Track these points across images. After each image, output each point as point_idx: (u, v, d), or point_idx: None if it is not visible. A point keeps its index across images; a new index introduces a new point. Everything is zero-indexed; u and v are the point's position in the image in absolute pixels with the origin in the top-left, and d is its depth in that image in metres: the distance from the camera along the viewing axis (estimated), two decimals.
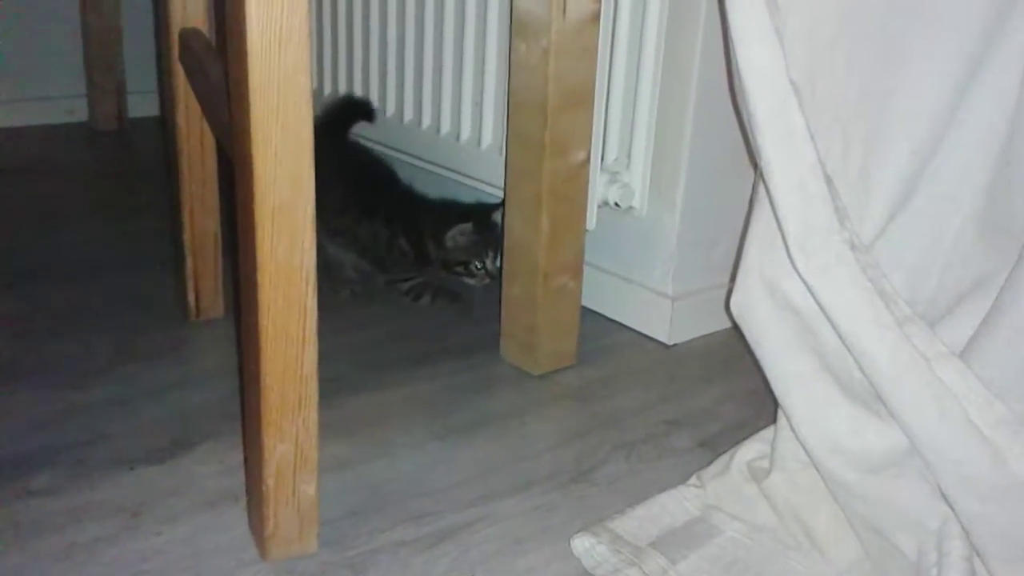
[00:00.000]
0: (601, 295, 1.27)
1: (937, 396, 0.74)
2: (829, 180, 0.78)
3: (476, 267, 1.26)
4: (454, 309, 1.29)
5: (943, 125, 0.83)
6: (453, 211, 1.30)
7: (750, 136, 0.80)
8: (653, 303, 1.22)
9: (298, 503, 0.76)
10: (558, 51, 0.99)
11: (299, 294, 0.71)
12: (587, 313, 1.24)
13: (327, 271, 1.29)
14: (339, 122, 1.40)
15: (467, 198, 1.33)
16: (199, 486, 0.87)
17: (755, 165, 0.84)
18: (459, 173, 1.30)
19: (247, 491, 0.84)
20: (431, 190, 1.37)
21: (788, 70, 0.77)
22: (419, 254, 1.30)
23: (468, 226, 1.25)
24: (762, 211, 0.83)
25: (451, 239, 1.26)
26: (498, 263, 1.27)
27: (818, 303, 0.78)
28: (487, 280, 1.28)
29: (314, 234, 0.70)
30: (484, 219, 1.26)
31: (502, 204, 1.27)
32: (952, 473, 0.74)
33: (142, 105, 2.11)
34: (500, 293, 1.15)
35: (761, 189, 0.83)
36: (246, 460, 0.85)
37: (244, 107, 0.67)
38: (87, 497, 0.84)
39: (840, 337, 0.78)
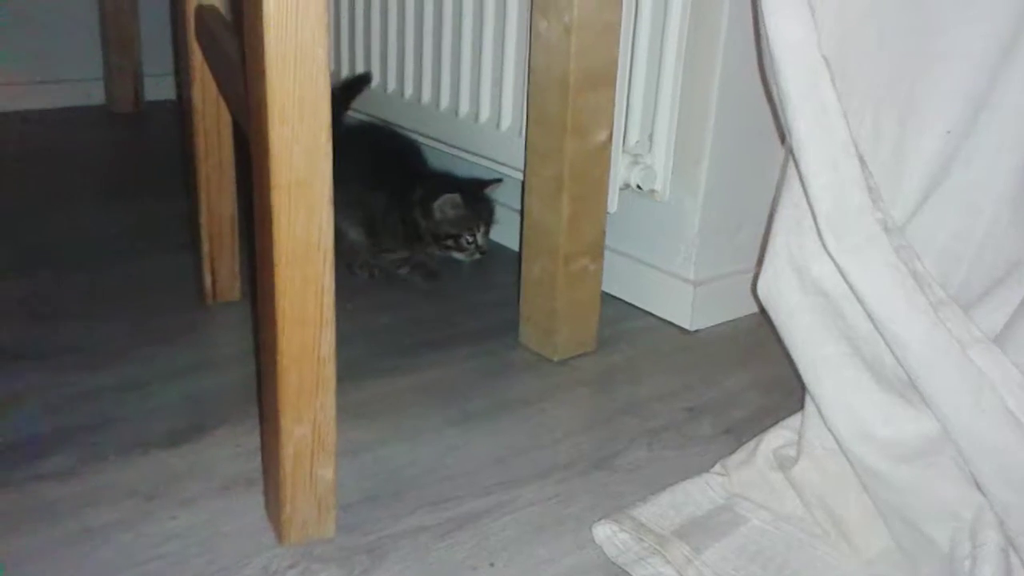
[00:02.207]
0: (622, 280, 1.25)
1: (972, 383, 0.72)
2: (862, 159, 0.76)
3: (467, 241, 1.25)
4: (428, 285, 1.28)
5: (978, 105, 0.81)
6: (443, 183, 1.28)
7: (780, 113, 0.78)
8: (675, 288, 1.20)
9: (315, 487, 0.75)
10: (580, 27, 0.97)
11: (316, 273, 0.69)
12: (607, 298, 1.22)
13: (345, 255, 1.28)
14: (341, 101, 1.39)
15: (463, 173, 1.32)
16: (215, 470, 0.86)
17: (783, 142, 0.81)
18: (478, 155, 1.28)
19: (264, 475, 0.83)
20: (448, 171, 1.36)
21: (820, 45, 0.75)
22: (408, 229, 1.28)
23: (456, 196, 1.23)
24: (791, 192, 0.81)
25: (438, 209, 1.24)
26: (489, 239, 1.26)
27: (849, 285, 0.76)
28: (477, 256, 1.27)
29: (331, 211, 0.68)
30: (475, 192, 1.25)
31: (496, 181, 1.26)
32: (987, 462, 0.72)
33: (159, 88, 2.11)
34: (518, 276, 1.13)
35: (790, 169, 0.81)
36: (263, 443, 0.84)
37: (260, 81, 0.66)
38: (101, 480, 0.83)
39: (872, 321, 0.76)
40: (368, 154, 1.31)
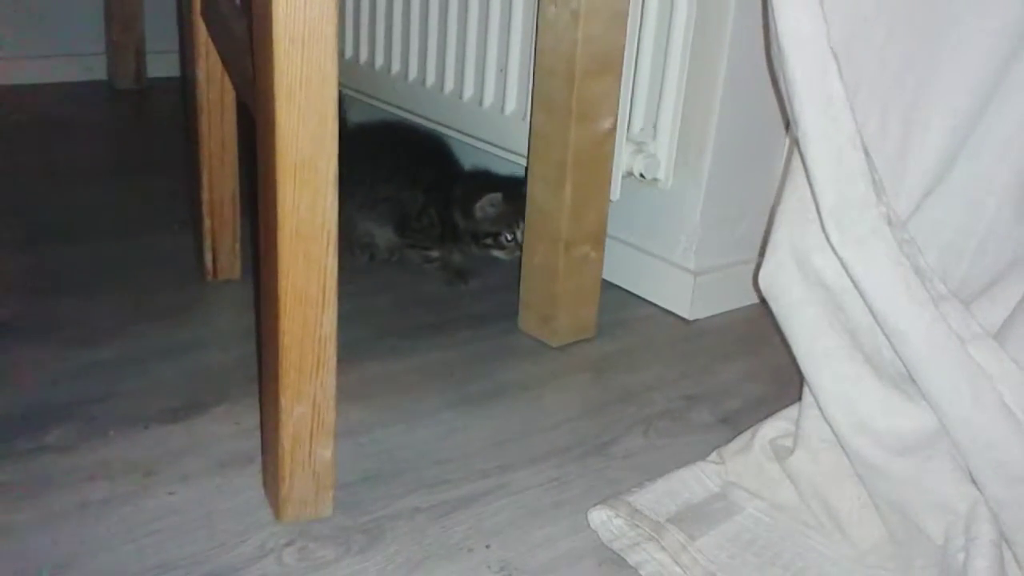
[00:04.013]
0: (622, 268, 1.25)
1: (971, 378, 0.72)
2: (867, 152, 0.76)
3: (507, 239, 1.24)
4: (455, 285, 1.26)
5: (985, 101, 0.81)
6: (482, 181, 1.28)
7: (787, 104, 0.78)
8: (675, 278, 1.20)
9: (314, 466, 0.75)
10: (589, 14, 0.97)
11: (320, 253, 0.69)
12: (607, 286, 1.22)
13: (348, 238, 1.28)
14: None
15: (499, 169, 1.31)
16: (214, 446, 0.86)
17: (787, 131, 0.81)
18: (481, 140, 1.28)
19: (262, 453, 0.84)
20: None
21: (829, 37, 0.75)
22: (445, 228, 1.28)
23: (498, 196, 1.23)
24: (795, 183, 0.81)
25: (480, 209, 1.24)
26: None
27: (851, 278, 0.76)
28: (517, 253, 1.25)
29: (336, 192, 0.68)
30: (515, 190, 1.24)
31: None
32: (983, 457, 0.72)
33: (161, 65, 2.10)
34: (519, 261, 1.13)
35: (795, 161, 0.81)
36: (262, 421, 0.85)
37: (268, 59, 0.65)
38: (100, 455, 0.83)
39: (872, 314, 0.76)
40: (395, 152, 1.30)
